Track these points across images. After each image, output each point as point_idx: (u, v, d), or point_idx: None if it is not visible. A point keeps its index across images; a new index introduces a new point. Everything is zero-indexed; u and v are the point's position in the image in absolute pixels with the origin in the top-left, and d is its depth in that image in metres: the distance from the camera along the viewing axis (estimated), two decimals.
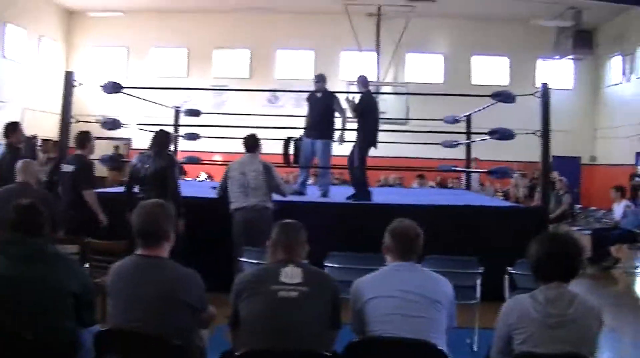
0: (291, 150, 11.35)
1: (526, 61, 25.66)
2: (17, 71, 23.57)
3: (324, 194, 11.59)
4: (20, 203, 4.63)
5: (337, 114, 11.51)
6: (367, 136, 10.97)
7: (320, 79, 11.83)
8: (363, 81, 11.41)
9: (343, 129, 11.52)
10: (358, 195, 10.97)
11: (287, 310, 4.20)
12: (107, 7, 24.75)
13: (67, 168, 9.11)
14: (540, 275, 4.02)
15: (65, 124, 10.62)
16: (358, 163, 10.99)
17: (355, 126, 11.15)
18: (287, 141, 11.20)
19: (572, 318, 3.82)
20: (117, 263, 4.52)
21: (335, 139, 11.50)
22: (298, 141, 11.42)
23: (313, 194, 11.70)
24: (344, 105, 11.32)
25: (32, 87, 24.20)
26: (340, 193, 11.57)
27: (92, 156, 9.53)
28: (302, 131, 11.78)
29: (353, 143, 11.15)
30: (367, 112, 11.04)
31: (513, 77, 25.39)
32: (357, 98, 11.24)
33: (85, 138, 9.29)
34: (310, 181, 13.16)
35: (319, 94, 11.72)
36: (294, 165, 11.45)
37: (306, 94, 12.22)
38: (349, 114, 11.34)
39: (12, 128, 9.83)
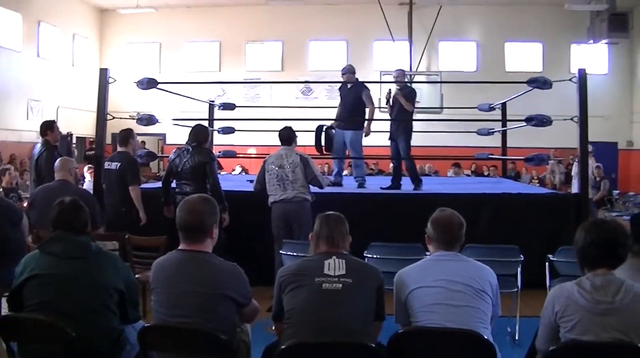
0: (323, 140, 11.30)
1: (560, 46, 25.29)
2: (51, 70, 23.73)
3: (360, 185, 11.59)
4: (63, 201, 4.64)
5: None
6: (410, 126, 11.14)
7: (348, 70, 11.77)
8: (403, 73, 11.53)
9: (370, 120, 11.54)
10: (417, 184, 11.09)
11: (331, 302, 4.20)
12: (138, 4, 24.81)
13: (112, 165, 9.22)
14: (587, 262, 3.98)
15: (101, 121, 10.68)
16: (408, 154, 11.14)
17: (384, 116, 11.19)
18: (319, 129, 11.17)
19: (620, 305, 3.77)
20: (159, 258, 4.53)
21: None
22: (329, 130, 11.37)
23: (349, 185, 11.70)
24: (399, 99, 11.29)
25: (66, 85, 24.37)
26: (377, 183, 11.56)
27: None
28: (332, 121, 11.80)
29: (392, 134, 11.20)
30: (413, 101, 11.19)
31: (547, 63, 25.04)
32: (393, 90, 11.23)
33: (128, 135, 9.46)
34: (344, 172, 13.17)
35: (349, 85, 11.72)
36: (326, 154, 11.39)
37: (339, 85, 12.22)
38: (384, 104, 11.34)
39: (49, 127, 9.95)
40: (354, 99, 11.50)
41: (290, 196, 8.61)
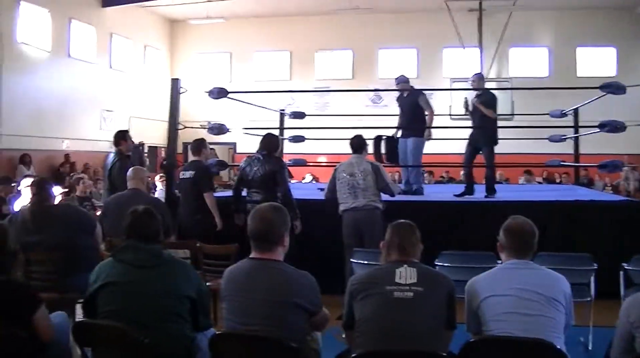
0: (383, 149, 11.29)
1: (634, 51, 24.79)
2: (123, 81, 24.22)
3: (417, 191, 11.60)
4: (136, 210, 4.69)
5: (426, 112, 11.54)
6: (495, 134, 11.08)
7: (401, 79, 11.84)
8: (480, 78, 11.47)
9: (430, 127, 11.52)
10: (490, 192, 11.03)
11: (402, 310, 4.17)
12: (208, 14, 25.09)
13: (187, 174, 9.43)
14: None
15: (172, 130, 10.81)
16: (491, 162, 11.21)
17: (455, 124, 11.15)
18: (378, 139, 11.18)
19: None
20: (230, 266, 4.56)
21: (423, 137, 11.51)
22: (391, 139, 11.45)
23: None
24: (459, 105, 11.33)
25: (138, 95, 24.86)
26: (449, 191, 11.50)
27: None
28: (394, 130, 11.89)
29: (473, 141, 11.18)
30: (495, 108, 11.10)
31: (620, 67, 24.61)
32: (469, 97, 11.20)
33: (200, 145, 9.73)
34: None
35: (405, 94, 11.80)
36: (388, 163, 11.38)
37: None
38: (461, 111, 11.27)
39: (122, 136, 10.09)
40: (410, 106, 11.57)
41: (361, 204, 8.57)
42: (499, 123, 11.83)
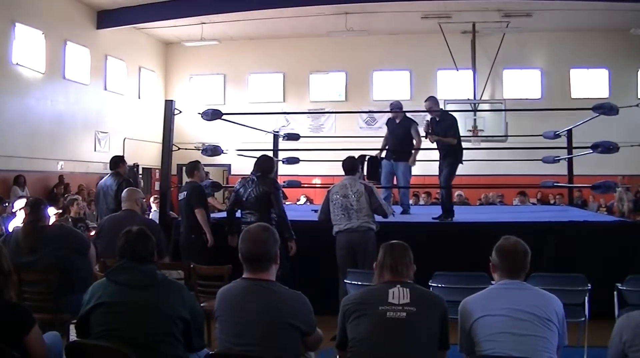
0: (365, 169, 11.47)
1: (627, 72, 24.93)
2: (117, 102, 24.27)
3: (405, 212, 12.13)
4: (130, 230, 4.69)
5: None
6: (459, 156, 11.11)
7: (396, 106, 12.26)
8: (434, 102, 11.62)
9: (417, 150, 11.93)
10: (446, 215, 10.96)
11: (395, 330, 4.18)
12: (202, 37, 25.16)
13: (182, 195, 9.59)
14: None
15: (167, 151, 10.82)
16: (447, 182, 11.08)
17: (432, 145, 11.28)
18: (361, 159, 11.27)
19: None
20: (224, 287, 4.56)
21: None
22: (373, 159, 11.93)
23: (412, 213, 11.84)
24: (421, 131, 11.48)
25: (133, 117, 24.91)
26: (434, 213, 11.52)
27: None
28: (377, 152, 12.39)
29: (440, 163, 11.19)
30: (457, 133, 11.12)
31: (613, 89, 24.66)
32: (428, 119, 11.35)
33: (194, 167, 9.81)
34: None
35: (397, 120, 12.20)
36: (369, 181, 11.49)
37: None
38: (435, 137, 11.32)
39: (121, 160, 10.62)
40: (403, 132, 12.02)
41: (355, 226, 8.57)
42: (493, 144, 11.87)
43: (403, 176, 11.98)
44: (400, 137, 12.06)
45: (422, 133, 11.52)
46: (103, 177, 10.73)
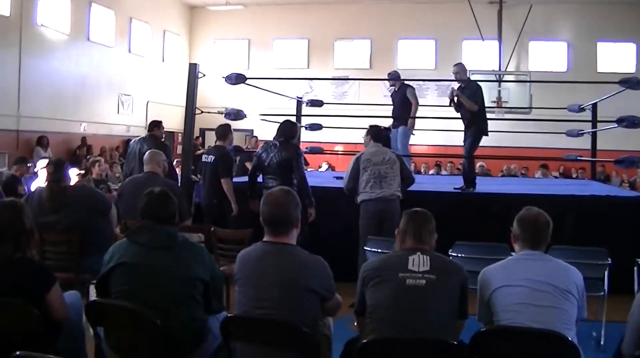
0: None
1: None
2: (141, 65, 24.25)
3: None
4: (152, 191, 4.70)
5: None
6: (482, 126, 10.85)
7: (393, 76, 12.50)
8: (462, 69, 11.32)
9: (414, 117, 12.03)
10: (468, 185, 10.83)
11: (414, 298, 4.17)
12: (228, 1, 25.11)
13: (208, 158, 9.60)
14: None
15: (190, 115, 10.83)
16: (470, 153, 10.92)
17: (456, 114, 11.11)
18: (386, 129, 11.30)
19: None
20: (244, 250, 4.54)
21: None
22: (386, 129, 11.60)
23: (438, 182, 11.78)
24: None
25: (156, 80, 24.87)
26: (455, 183, 11.47)
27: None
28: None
29: (465, 134, 11.04)
30: (480, 101, 10.88)
31: None
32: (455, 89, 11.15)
33: (227, 130, 9.85)
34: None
35: (396, 88, 12.38)
36: None
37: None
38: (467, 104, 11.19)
39: (158, 124, 10.94)
40: (400, 99, 12.15)
41: (387, 194, 8.50)
42: (517, 116, 11.75)
43: (400, 140, 11.88)
44: (397, 103, 12.27)
45: (439, 99, 11.48)
46: (126, 139, 10.80)
